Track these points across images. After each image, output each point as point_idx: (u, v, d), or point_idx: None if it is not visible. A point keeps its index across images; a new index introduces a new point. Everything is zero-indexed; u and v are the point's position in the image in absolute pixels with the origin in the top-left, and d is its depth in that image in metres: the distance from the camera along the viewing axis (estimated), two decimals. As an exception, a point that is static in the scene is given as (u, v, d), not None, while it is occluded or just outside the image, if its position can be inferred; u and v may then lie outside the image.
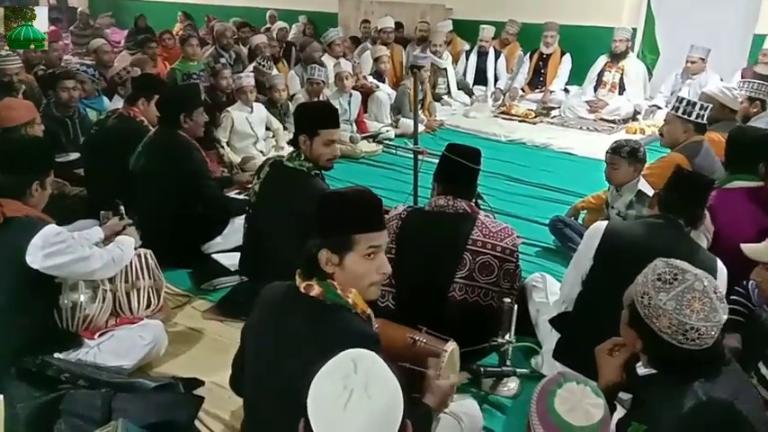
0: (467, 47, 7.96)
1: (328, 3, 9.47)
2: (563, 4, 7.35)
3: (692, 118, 3.47)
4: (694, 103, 3.50)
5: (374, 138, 3.49)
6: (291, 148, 2.83)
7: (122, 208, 2.93)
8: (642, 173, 3.25)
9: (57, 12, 13.62)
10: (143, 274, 2.77)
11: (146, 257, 2.82)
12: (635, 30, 7.22)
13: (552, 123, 6.75)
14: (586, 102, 6.88)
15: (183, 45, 5.82)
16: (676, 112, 3.49)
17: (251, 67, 5.94)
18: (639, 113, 6.73)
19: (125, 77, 4.62)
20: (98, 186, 3.73)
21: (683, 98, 3.58)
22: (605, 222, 2.49)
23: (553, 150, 5.95)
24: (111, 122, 3.72)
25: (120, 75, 4.77)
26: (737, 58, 6.73)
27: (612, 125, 6.57)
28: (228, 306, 3.00)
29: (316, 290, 1.58)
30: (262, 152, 5.11)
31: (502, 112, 7.06)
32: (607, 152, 3.30)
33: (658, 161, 3.61)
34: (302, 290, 1.60)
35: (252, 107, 5.01)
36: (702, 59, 6.38)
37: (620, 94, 6.83)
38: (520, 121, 6.80)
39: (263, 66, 5.89)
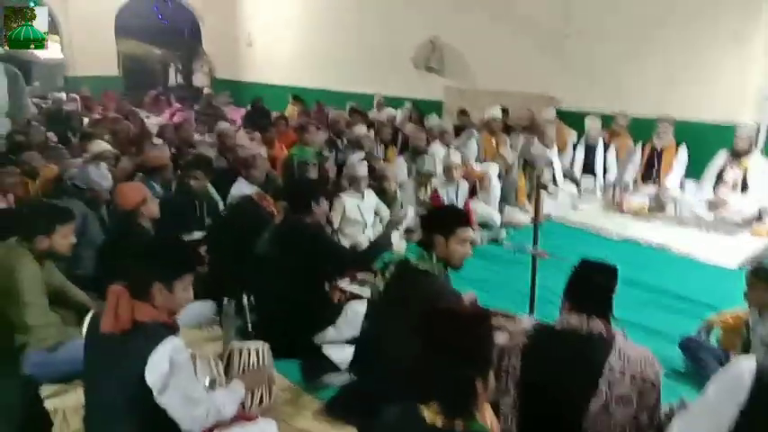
0: (574, 137, 7.85)
1: (433, 90, 9.75)
2: (676, 96, 7.12)
3: None
4: None
5: (496, 239, 3.41)
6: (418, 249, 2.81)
7: (246, 298, 2.98)
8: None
9: (181, 90, 15.01)
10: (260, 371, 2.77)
11: (263, 353, 2.82)
12: (758, 125, 6.85)
13: (668, 221, 6.41)
14: (706, 200, 6.51)
15: (302, 132, 6.11)
16: None
17: (363, 154, 6.13)
18: (765, 215, 6.26)
19: (252, 163, 4.84)
20: (220, 268, 3.86)
21: None
22: (751, 362, 2.09)
23: (671, 252, 5.61)
24: (242, 207, 3.88)
25: (249, 159, 4.97)
26: None
27: (735, 226, 6.13)
28: (338, 409, 2.94)
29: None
30: (369, 239, 5.16)
31: (612, 206, 6.81)
32: (747, 272, 3.04)
33: None
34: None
35: (363, 194, 5.11)
36: (838, 160, 5.92)
37: (743, 193, 6.42)
38: (632, 217, 6.52)
39: (374, 151, 6.06)
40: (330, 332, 3.45)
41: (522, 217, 6.28)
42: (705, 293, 4.53)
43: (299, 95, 11.50)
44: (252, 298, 3.44)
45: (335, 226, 4.95)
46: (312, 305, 3.36)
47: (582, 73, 7.98)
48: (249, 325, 3.28)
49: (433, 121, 7.37)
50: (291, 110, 11.22)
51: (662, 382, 3.31)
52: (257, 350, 2.80)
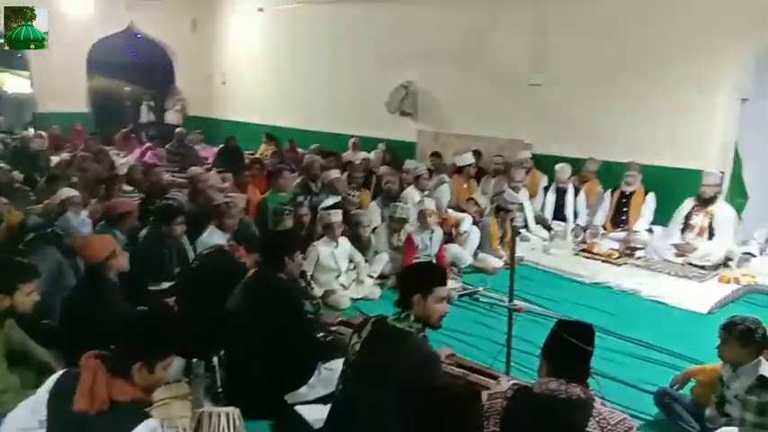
0: (544, 181, 7.98)
1: (407, 132, 9.86)
2: (647, 145, 7.31)
3: None
4: None
5: (471, 295, 3.40)
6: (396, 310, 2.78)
7: (216, 361, 2.89)
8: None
9: (153, 127, 14.86)
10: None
11: (233, 418, 2.72)
12: (722, 173, 7.06)
13: (637, 266, 6.49)
14: (674, 245, 6.63)
15: (275, 177, 6.07)
16: None
17: (339, 198, 6.12)
18: (731, 260, 6.40)
19: (225, 211, 4.76)
20: (189, 321, 3.74)
21: None
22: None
23: (642, 297, 5.67)
24: (213, 259, 3.79)
25: (222, 207, 4.87)
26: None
27: (703, 272, 6.25)
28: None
29: None
30: (343, 285, 5.11)
31: (583, 250, 6.90)
32: (720, 327, 3.08)
33: None
34: None
35: (337, 241, 5.08)
36: (801, 207, 6.11)
37: (710, 238, 6.56)
38: (603, 261, 6.59)
39: (351, 196, 6.05)
40: (303, 391, 3.36)
41: (497, 263, 6.30)
42: (677, 341, 4.57)
43: (272, 134, 11.50)
44: (222, 354, 3.35)
45: (309, 274, 4.89)
46: (284, 363, 3.27)
47: (552, 119, 8.17)
48: (219, 384, 3.18)
49: (410, 164, 7.40)
50: (264, 148, 11.21)
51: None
52: (228, 414, 2.70)
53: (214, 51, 13.96)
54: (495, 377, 3.34)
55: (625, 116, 7.53)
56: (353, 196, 5.97)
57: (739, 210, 7.18)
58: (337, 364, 3.14)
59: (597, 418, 2.28)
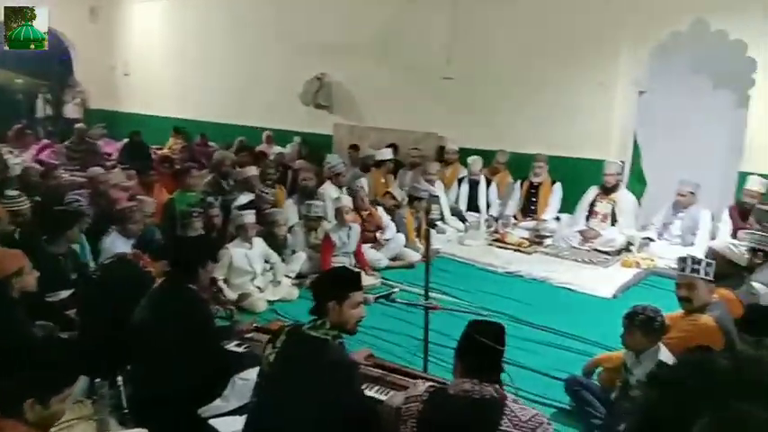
0: (464, 173, 8.12)
1: (323, 125, 9.74)
2: (554, 137, 7.61)
3: (701, 275, 3.45)
4: (700, 261, 3.49)
5: (386, 297, 3.39)
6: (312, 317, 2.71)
7: (120, 380, 2.72)
8: (666, 338, 3.16)
9: (50, 122, 13.87)
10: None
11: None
12: (623, 162, 7.46)
13: (547, 253, 6.76)
14: (579, 231, 6.94)
15: (183, 175, 5.81)
16: (697, 273, 3.43)
17: (252, 196, 5.94)
18: (632, 245, 6.78)
19: (129, 215, 4.48)
20: (92, 336, 3.51)
21: (691, 257, 3.54)
22: None
23: (552, 284, 5.90)
24: (116, 269, 3.56)
25: (125, 212, 4.58)
26: (725, 194, 6.93)
27: (607, 257, 6.59)
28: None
29: None
30: (259, 288, 4.98)
31: (496, 240, 7.09)
32: (623, 317, 3.23)
33: (686, 325, 3.44)
34: None
35: (251, 243, 4.93)
36: (692, 193, 6.55)
37: (613, 224, 6.92)
38: (515, 251, 6.81)
39: (266, 194, 5.90)
40: (218, 403, 3.23)
41: (415, 256, 6.36)
42: (585, 326, 4.77)
43: (180, 127, 11.04)
44: (128, 371, 3.16)
45: (221, 278, 4.72)
46: (196, 378, 3.13)
47: (464, 112, 8.32)
48: (124, 402, 2.99)
49: (331, 159, 7.26)
50: (173, 142, 10.76)
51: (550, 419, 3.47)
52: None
53: (115, 41, 13.19)
54: (414, 376, 3.35)
55: (532, 109, 7.80)
56: (267, 194, 5.81)
57: (639, 196, 7.64)
58: (252, 374, 3.04)
59: (510, 416, 2.33)
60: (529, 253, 6.77)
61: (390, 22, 8.88)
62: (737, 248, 3.99)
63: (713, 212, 6.53)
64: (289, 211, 6.10)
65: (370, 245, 6.14)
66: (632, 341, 3.22)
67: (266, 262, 5.17)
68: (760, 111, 6.57)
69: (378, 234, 6.24)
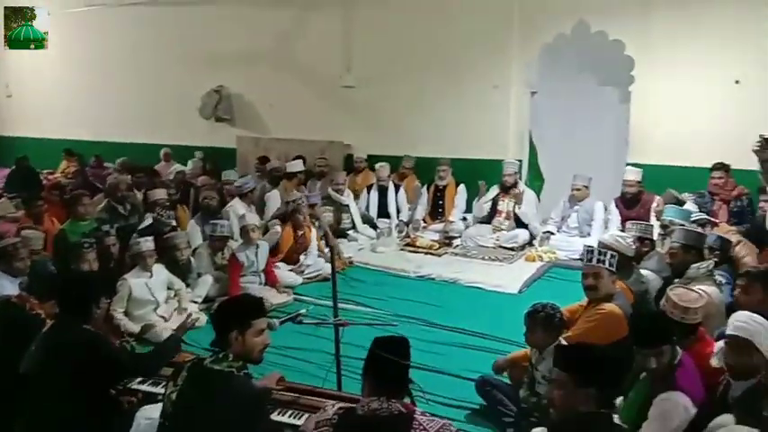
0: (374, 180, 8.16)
1: (226, 138, 9.49)
2: (455, 141, 7.83)
3: (606, 266, 3.63)
4: (606, 252, 3.68)
5: (293, 320, 3.33)
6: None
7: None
8: (574, 328, 3.30)
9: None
10: None
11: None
12: (521, 161, 7.77)
13: (456, 254, 6.92)
14: (482, 230, 7.15)
15: (74, 204, 5.45)
16: (603, 264, 3.59)
17: (150, 220, 5.68)
18: (535, 239, 7.08)
19: (13, 253, 4.12)
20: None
21: (597, 248, 3.72)
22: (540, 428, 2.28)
23: (462, 285, 6.05)
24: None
25: (8, 249, 4.20)
26: (616, 185, 7.36)
27: (511, 253, 6.84)
28: None
29: None
30: (163, 317, 4.77)
31: (407, 244, 7.19)
32: (525, 315, 3.36)
33: (593, 314, 3.57)
34: None
35: (151, 271, 4.71)
36: (586, 186, 6.92)
37: (516, 222, 7.18)
38: (426, 254, 6.92)
39: (163, 216, 5.66)
40: (119, 446, 3.06)
41: (327, 267, 6.30)
42: (494, 324, 4.90)
43: (72, 150, 10.41)
44: (20, 422, 2.93)
45: (120, 311, 4.48)
46: (98, 422, 2.95)
47: (367, 120, 8.39)
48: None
49: (228, 175, 7.04)
50: (66, 166, 10.15)
51: (464, 425, 3.55)
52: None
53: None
54: (328, 396, 3.32)
55: (433, 114, 7.99)
56: (166, 216, 5.57)
57: (538, 192, 7.98)
58: (157, 412, 2.91)
59: (418, 429, 2.35)
60: (439, 255, 6.91)
61: (286, 31, 8.81)
62: (624, 240, 4.24)
63: (606, 203, 6.93)
64: (192, 233, 5.89)
65: (290, 267, 6.05)
66: (534, 338, 3.35)
67: (169, 289, 4.96)
68: (640, 105, 7.04)
69: (302, 257, 6.15)
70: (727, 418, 2.66)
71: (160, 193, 6.25)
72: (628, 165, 6.89)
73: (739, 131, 4.61)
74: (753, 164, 4.20)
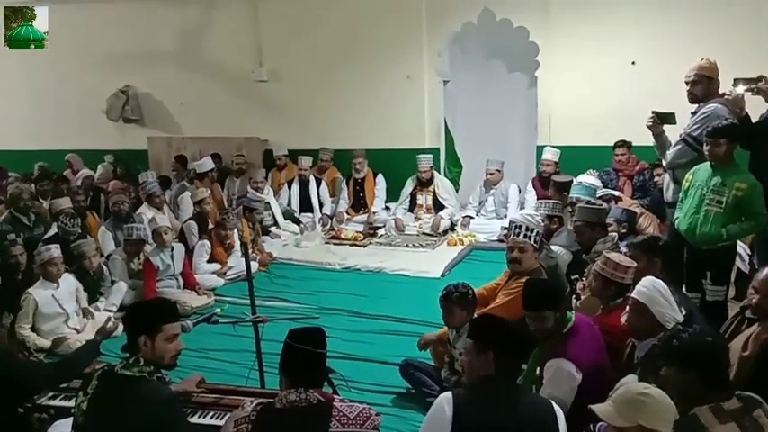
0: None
1: (136, 140, 9.10)
2: (372, 131, 7.87)
3: (532, 242, 3.77)
4: (532, 229, 3.82)
5: (208, 320, 3.24)
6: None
7: None
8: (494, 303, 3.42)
9: None
10: None
11: None
12: (437, 150, 7.92)
13: (381, 244, 6.99)
14: (399, 219, 7.28)
15: (-32, 218, 5.10)
16: (529, 239, 3.73)
17: (54, 229, 5.39)
18: (456, 224, 7.24)
19: None
20: None
21: (525, 225, 3.84)
22: (448, 394, 2.31)
23: (387, 274, 6.11)
24: None
25: None
26: (529, 167, 7.65)
27: (434, 239, 6.97)
28: None
29: None
30: (76, 329, 4.55)
31: (332, 238, 7.19)
32: (440, 299, 3.44)
33: (514, 286, 3.66)
34: None
35: (58, 282, 4.48)
36: (499, 171, 7.14)
37: (436, 211, 7.32)
38: (351, 245, 6.94)
39: (69, 225, 5.37)
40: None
41: (253, 265, 6.19)
42: (419, 309, 4.97)
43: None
44: None
45: (27, 326, 4.24)
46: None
47: (283, 114, 8.29)
48: None
49: (150, 184, 6.73)
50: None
51: (391, 409, 3.60)
52: None
53: None
54: (251, 394, 3.27)
55: (349, 106, 7.99)
56: (72, 224, 5.28)
57: (457, 179, 8.17)
58: (68, 426, 2.78)
59: (338, 417, 2.36)
60: (364, 246, 6.94)
61: (192, 27, 8.53)
62: (534, 218, 4.40)
63: (520, 185, 7.18)
64: (104, 239, 5.64)
65: (213, 269, 5.93)
66: (451, 318, 3.44)
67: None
68: (546, 90, 7.32)
69: (224, 265, 6.03)
70: (631, 377, 2.83)
71: (64, 202, 5.94)
72: (540, 147, 7.15)
73: (638, 110, 4.85)
74: (652, 140, 4.46)
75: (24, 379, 2.90)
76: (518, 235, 3.81)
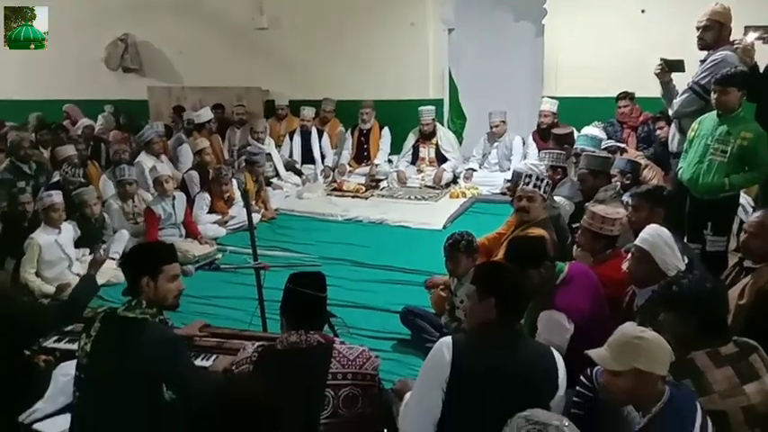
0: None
1: (136, 90, 8.98)
2: (375, 82, 7.72)
3: (541, 192, 3.77)
4: (543, 179, 3.82)
5: (209, 265, 3.26)
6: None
7: None
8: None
9: None
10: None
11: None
12: (441, 100, 7.80)
13: (383, 196, 6.97)
14: (396, 173, 7.26)
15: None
16: (539, 189, 3.72)
17: (57, 177, 5.39)
18: (458, 177, 7.20)
19: None
20: None
21: (536, 175, 3.84)
22: (447, 338, 2.30)
23: (389, 225, 6.12)
24: None
25: None
26: (533, 119, 7.54)
27: (436, 191, 6.94)
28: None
29: None
30: (79, 275, 4.57)
31: (334, 189, 7.17)
32: (445, 247, 3.44)
33: (521, 234, 3.66)
34: None
35: (60, 228, 4.49)
36: (503, 122, 7.05)
37: (439, 164, 7.27)
38: (352, 197, 6.93)
39: (70, 174, 5.36)
40: (39, 406, 2.97)
41: (255, 217, 6.20)
42: (419, 260, 5.01)
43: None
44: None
45: (32, 271, 4.27)
46: (8, 382, 2.84)
47: (284, 63, 8.14)
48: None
49: (147, 131, 6.67)
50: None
51: (390, 355, 3.66)
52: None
53: None
54: (252, 338, 3.32)
55: (351, 55, 7.83)
56: (74, 173, 5.28)
57: (461, 130, 8.07)
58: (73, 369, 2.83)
59: (338, 358, 2.39)
60: (366, 198, 6.94)
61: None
62: (537, 168, 4.38)
63: (524, 137, 7.10)
64: (105, 186, 5.63)
65: (214, 219, 5.93)
66: (457, 267, 3.44)
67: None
68: (552, 39, 7.15)
69: (226, 214, 6.03)
70: (629, 324, 2.85)
71: (69, 150, 5.90)
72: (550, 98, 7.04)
73: (644, 60, 4.75)
74: (657, 90, 4.38)
75: (30, 321, 2.94)
76: (528, 184, 3.80)
